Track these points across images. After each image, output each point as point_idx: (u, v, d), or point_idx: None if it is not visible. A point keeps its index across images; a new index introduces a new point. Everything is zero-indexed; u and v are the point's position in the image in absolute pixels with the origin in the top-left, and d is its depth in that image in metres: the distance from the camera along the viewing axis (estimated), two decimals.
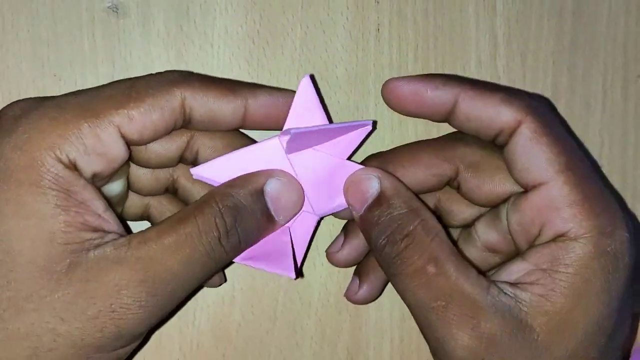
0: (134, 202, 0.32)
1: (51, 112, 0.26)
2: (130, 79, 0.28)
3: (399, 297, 0.28)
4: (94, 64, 0.33)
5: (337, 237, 0.33)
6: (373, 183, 0.28)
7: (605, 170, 0.38)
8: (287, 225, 0.30)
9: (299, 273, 0.33)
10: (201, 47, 0.34)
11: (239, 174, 0.29)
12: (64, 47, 0.33)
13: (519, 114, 0.28)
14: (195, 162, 0.31)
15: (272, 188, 0.28)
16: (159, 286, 0.26)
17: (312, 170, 0.30)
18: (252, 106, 0.29)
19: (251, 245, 0.28)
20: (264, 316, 0.36)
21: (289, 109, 0.29)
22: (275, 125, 0.30)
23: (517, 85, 0.37)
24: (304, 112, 0.29)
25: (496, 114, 0.28)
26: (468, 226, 0.33)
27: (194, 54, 0.34)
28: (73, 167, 0.26)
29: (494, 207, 0.31)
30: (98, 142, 0.26)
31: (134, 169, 0.31)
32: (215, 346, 0.35)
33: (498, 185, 0.30)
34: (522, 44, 0.37)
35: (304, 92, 0.29)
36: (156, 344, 0.35)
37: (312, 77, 0.30)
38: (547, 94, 0.37)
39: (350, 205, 0.29)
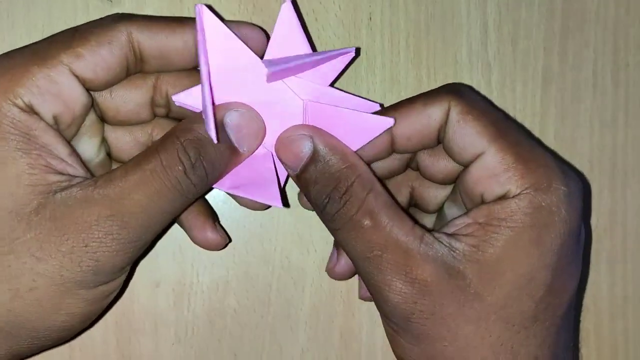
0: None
1: (1, 62, 0.27)
2: (73, 27, 0.29)
3: None
4: None
5: (331, 253, 0.34)
6: (305, 142, 0.28)
7: (595, 155, 0.38)
8: (269, 151, 0.30)
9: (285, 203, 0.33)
10: None
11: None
12: None
13: (444, 104, 0.28)
14: (169, 114, 0.31)
15: (231, 119, 0.28)
16: (128, 219, 0.26)
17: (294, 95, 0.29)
18: None
19: (219, 176, 0.29)
20: (258, 301, 0.36)
21: (249, 39, 0.29)
22: None
23: (509, 71, 0.37)
24: (285, 39, 0.29)
25: (427, 118, 0.29)
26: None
27: None
28: (30, 110, 0.26)
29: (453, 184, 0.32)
30: (50, 83, 0.26)
31: (110, 132, 0.31)
32: (211, 331, 0.36)
33: (448, 162, 0.31)
34: (512, 31, 0.37)
35: (286, 19, 0.28)
36: (151, 329, 0.35)
37: (293, 3, 0.29)
38: (537, 80, 0.38)
39: (284, 164, 0.29)
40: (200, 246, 0.32)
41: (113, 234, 0.26)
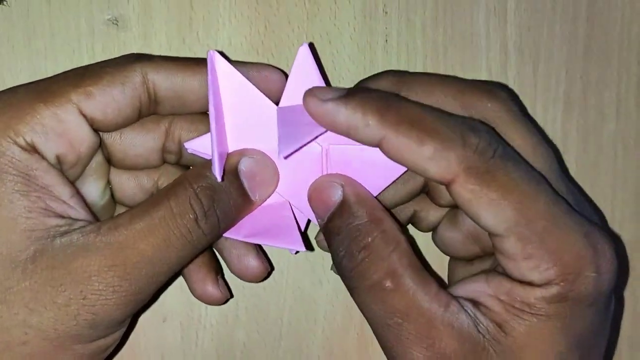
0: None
1: (4, 97, 0.25)
2: (85, 65, 0.27)
3: None
4: None
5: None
6: (336, 190, 0.27)
7: (619, 180, 0.37)
8: (286, 200, 0.29)
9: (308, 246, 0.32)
10: None
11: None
12: (62, 60, 0.32)
13: (449, 174, 0.24)
14: (180, 160, 0.30)
15: (245, 166, 0.27)
16: (131, 271, 0.25)
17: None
18: None
19: (230, 226, 0.28)
20: (269, 336, 0.35)
21: (267, 83, 0.28)
22: None
23: (528, 95, 0.36)
24: (302, 84, 0.27)
25: (423, 171, 0.25)
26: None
27: None
28: (32, 149, 0.25)
29: None
30: (56, 122, 0.25)
31: (115, 175, 0.30)
32: None
33: None
34: (533, 53, 0.36)
35: (303, 62, 0.27)
36: None
37: (311, 46, 0.28)
38: (559, 104, 0.36)
39: (315, 213, 0.28)
40: (199, 300, 0.31)
41: (114, 285, 0.24)
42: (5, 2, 0.31)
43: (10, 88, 0.26)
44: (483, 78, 0.35)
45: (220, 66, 0.27)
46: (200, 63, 0.27)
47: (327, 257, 0.35)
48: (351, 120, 0.25)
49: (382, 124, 0.25)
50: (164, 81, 0.27)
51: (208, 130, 0.28)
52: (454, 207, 0.30)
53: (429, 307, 0.25)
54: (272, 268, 0.34)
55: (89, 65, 0.27)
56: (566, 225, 0.25)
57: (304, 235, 0.30)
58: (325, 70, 0.34)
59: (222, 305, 0.34)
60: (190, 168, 0.27)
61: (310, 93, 0.26)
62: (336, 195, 0.27)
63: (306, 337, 0.35)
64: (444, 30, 0.35)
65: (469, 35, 0.35)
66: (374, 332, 0.27)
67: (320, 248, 0.32)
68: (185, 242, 0.25)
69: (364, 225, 0.26)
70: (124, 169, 0.30)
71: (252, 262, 0.30)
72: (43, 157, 0.25)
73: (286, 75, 0.29)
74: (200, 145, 0.28)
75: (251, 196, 0.27)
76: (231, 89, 0.27)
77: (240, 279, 0.30)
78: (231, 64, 0.27)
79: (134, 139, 0.28)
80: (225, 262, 0.30)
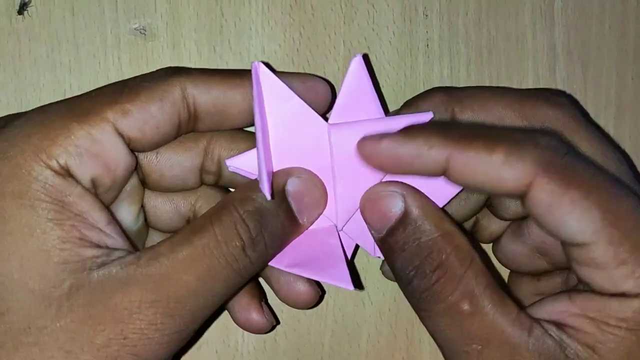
0: (153, 242, 0.29)
1: (35, 117, 0.24)
2: (122, 80, 0.25)
3: None
4: None
5: None
6: (395, 201, 0.24)
7: None
8: (333, 224, 0.27)
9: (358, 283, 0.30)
10: None
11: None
12: (87, 73, 0.30)
13: (527, 177, 0.22)
14: (219, 181, 0.28)
15: (293, 187, 0.25)
16: (175, 306, 0.23)
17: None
18: None
19: (277, 253, 0.25)
20: None
21: (311, 95, 0.26)
22: None
23: (579, 98, 0.34)
24: (354, 100, 0.25)
25: (497, 180, 0.22)
26: (519, 219, 0.29)
27: None
28: (66, 173, 0.23)
29: None
30: (91, 142, 0.23)
31: (149, 198, 0.28)
32: None
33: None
34: (582, 54, 0.34)
35: (355, 76, 0.25)
36: None
37: (365, 57, 0.26)
38: (610, 107, 0.34)
39: (369, 224, 0.25)
40: (243, 328, 0.29)
41: (157, 323, 0.22)
42: (26, 12, 0.29)
43: (41, 107, 0.24)
44: (530, 82, 0.33)
45: (266, 78, 0.25)
46: (242, 75, 0.25)
47: (370, 277, 0.33)
48: (413, 148, 0.23)
49: (445, 142, 0.23)
50: (204, 95, 0.25)
51: (249, 148, 0.26)
52: (520, 219, 0.28)
53: (511, 332, 0.23)
54: (322, 292, 0.32)
55: (124, 80, 0.25)
56: None
57: (351, 266, 0.28)
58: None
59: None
60: (233, 190, 0.25)
61: (361, 142, 0.24)
62: (397, 206, 0.24)
63: None
64: (488, 33, 0.33)
65: (514, 37, 0.33)
66: (446, 359, 0.24)
67: (387, 278, 0.30)
68: (231, 272, 0.23)
69: (435, 240, 0.24)
70: (160, 191, 0.28)
71: (302, 288, 0.27)
72: (77, 181, 0.23)
73: (331, 86, 0.27)
74: (242, 163, 0.26)
75: (299, 219, 0.25)
76: (277, 103, 0.25)
77: (290, 305, 0.28)
78: (276, 75, 0.25)
79: (171, 158, 0.27)
80: (272, 288, 0.28)
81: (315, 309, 0.32)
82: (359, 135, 0.24)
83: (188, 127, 0.26)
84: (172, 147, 0.26)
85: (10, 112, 0.29)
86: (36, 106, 0.29)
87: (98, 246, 0.23)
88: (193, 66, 0.30)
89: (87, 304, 0.22)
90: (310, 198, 0.25)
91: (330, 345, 0.33)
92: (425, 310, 0.24)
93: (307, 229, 0.26)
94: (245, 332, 0.32)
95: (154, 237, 0.29)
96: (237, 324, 0.29)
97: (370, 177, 0.25)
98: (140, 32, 0.30)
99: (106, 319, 0.22)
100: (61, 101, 0.24)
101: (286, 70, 0.31)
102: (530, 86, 0.33)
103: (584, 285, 0.24)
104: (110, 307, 0.22)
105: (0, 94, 0.30)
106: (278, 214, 0.24)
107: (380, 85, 0.32)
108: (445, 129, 0.23)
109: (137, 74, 0.30)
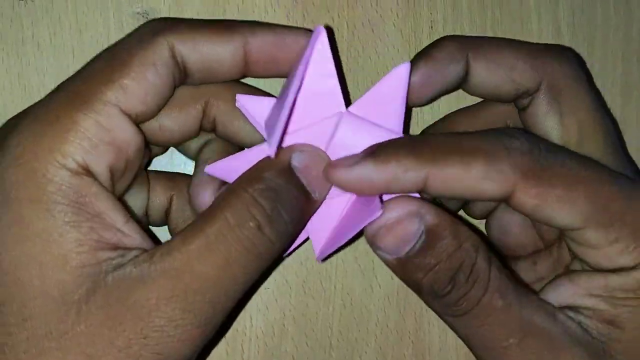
0: (154, 204, 0.29)
1: (40, 115, 0.23)
2: (108, 47, 0.25)
3: None
4: None
5: None
6: (413, 226, 0.23)
7: None
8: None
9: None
10: None
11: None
12: (90, 57, 0.29)
13: (508, 186, 0.22)
14: (215, 130, 0.27)
15: (299, 161, 0.24)
16: (193, 299, 0.22)
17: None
18: (254, 47, 0.24)
19: (300, 230, 0.25)
20: (319, 346, 0.32)
21: (298, 49, 0.25)
22: (283, 70, 0.25)
23: None
24: (383, 100, 0.24)
25: (479, 192, 0.23)
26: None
27: None
28: (83, 170, 0.22)
29: None
30: (103, 131, 0.23)
31: (151, 197, 0.28)
32: None
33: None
34: (588, 35, 0.34)
35: (396, 82, 0.24)
36: None
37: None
38: (616, 88, 0.34)
39: (383, 249, 0.24)
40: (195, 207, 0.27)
41: (176, 319, 0.22)
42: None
43: (40, 101, 0.24)
44: None
45: (321, 49, 0.23)
46: (230, 28, 0.24)
47: (378, 260, 0.32)
48: (388, 174, 0.22)
49: (420, 163, 0.22)
50: (192, 53, 0.24)
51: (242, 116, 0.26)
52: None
53: (541, 322, 0.23)
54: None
55: (111, 49, 0.24)
56: (639, 198, 0.23)
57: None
58: (369, 60, 0.32)
59: (268, 316, 0.32)
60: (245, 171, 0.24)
61: (330, 168, 0.23)
62: (416, 230, 0.23)
63: (358, 346, 0.32)
64: (492, 14, 0.33)
65: (519, 18, 0.33)
66: (481, 359, 0.24)
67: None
68: (250, 256, 0.22)
69: (463, 249, 0.23)
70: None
71: (207, 199, 0.27)
72: (95, 179, 0.23)
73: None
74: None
75: (312, 194, 0.25)
76: (316, 77, 0.24)
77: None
78: (330, 50, 0.24)
79: (173, 126, 0.26)
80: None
81: (322, 294, 0.32)
82: (364, 137, 0.24)
83: (180, 82, 0.25)
84: (172, 115, 0.26)
85: (15, 97, 0.30)
86: (40, 91, 0.30)
87: (115, 247, 0.22)
88: None
89: (106, 306, 0.22)
90: (318, 171, 0.24)
91: (338, 329, 0.32)
92: (459, 316, 0.23)
93: (321, 204, 0.25)
94: (254, 318, 0.32)
95: (155, 200, 0.29)
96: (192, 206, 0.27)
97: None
98: (143, 16, 0.30)
99: (125, 319, 0.21)
100: (58, 90, 0.24)
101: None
102: None
103: (582, 263, 0.24)
104: (129, 306, 0.22)
105: (4, 79, 0.30)
106: (290, 189, 0.24)
107: (385, 68, 0.32)
108: (416, 147, 0.23)
109: None
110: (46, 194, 0.22)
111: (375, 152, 0.23)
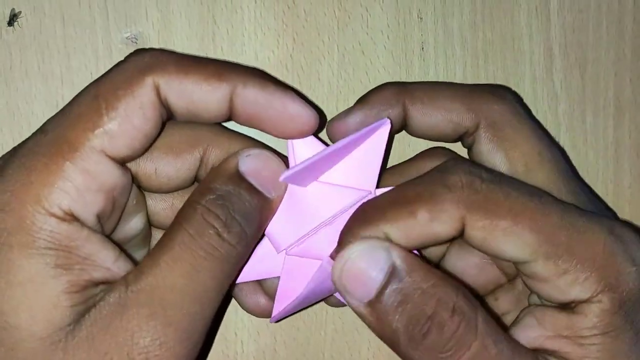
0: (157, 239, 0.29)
1: (27, 161, 0.23)
2: (93, 82, 0.24)
3: None
4: None
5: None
6: (377, 259, 0.23)
7: None
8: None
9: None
10: None
11: None
12: (79, 83, 0.30)
13: (456, 224, 0.23)
14: None
15: (247, 166, 0.25)
16: (171, 312, 0.22)
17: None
18: (240, 100, 0.24)
19: (260, 232, 0.25)
20: None
21: (283, 114, 0.25)
22: (263, 129, 0.25)
23: (577, 100, 0.33)
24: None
25: (432, 236, 0.23)
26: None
27: None
28: (70, 217, 0.22)
29: None
30: (89, 178, 0.23)
31: (151, 203, 0.28)
32: None
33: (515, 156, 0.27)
34: (580, 56, 0.33)
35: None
36: None
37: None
38: (609, 109, 0.34)
39: (349, 294, 0.24)
40: (251, 313, 0.29)
41: (159, 337, 0.22)
42: (16, 23, 0.29)
43: (29, 145, 0.23)
44: (527, 84, 0.33)
45: (381, 134, 0.26)
46: (219, 75, 0.24)
47: None
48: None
49: (375, 226, 0.24)
50: (178, 97, 0.24)
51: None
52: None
53: None
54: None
55: (98, 85, 0.24)
56: (587, 228, 0.23)
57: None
58: (359, 83, 0.32)
59: (260, 341, 0.32)
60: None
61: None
62: (380, 264, 0.23)
63: None
64: (484, 35, 0.33)
65: (511, 38, 0.33)
66: None
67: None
68: (215, 261, 0.23)
69: (437, 285, 0.23)
70: (155, 192, 0.28)
71: (263, 301, 0.28)
72: (83, 224, 0.23)
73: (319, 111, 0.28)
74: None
75: (266, 194, 0.25)
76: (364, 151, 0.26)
77: (253, 315, 0.29)
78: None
79: (169, 170, 0.26)
80: (235, 299, 0.29)
81: (314, 318, 0.32)
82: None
83: (167, 119, 0.25)
84: (169, 161, 0.26)
85: (3, 124, 0.30)
86: (28, 118, 0.30)
87: (105, 283, 0.23)
88: None
89: (90, 337, 0.22)
90: (268, 171, 0.25)
91: (330, 354, 0.32)
92: None
93: (280, 201, 0.26)
94: (244, 343, 0.32)
95: (157, 235, 0.29)
96: (244, 308, 0.29)
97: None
98: (132, 41, 0.30)
99: (110, 348, 0.22)
100: (42, 130, 0.24)
101: (280, 77, 0.31)
102: (528, 88, 0.33)
103: (538, 297, 0.24)
104: (112, 334, 0.22)
105: None
106: (240, 193, 0.24)
107: None
108: (367, 215, 0.24)
109: None
110: (37, 241, 0.22)
111: (341, 243, 0.24)
